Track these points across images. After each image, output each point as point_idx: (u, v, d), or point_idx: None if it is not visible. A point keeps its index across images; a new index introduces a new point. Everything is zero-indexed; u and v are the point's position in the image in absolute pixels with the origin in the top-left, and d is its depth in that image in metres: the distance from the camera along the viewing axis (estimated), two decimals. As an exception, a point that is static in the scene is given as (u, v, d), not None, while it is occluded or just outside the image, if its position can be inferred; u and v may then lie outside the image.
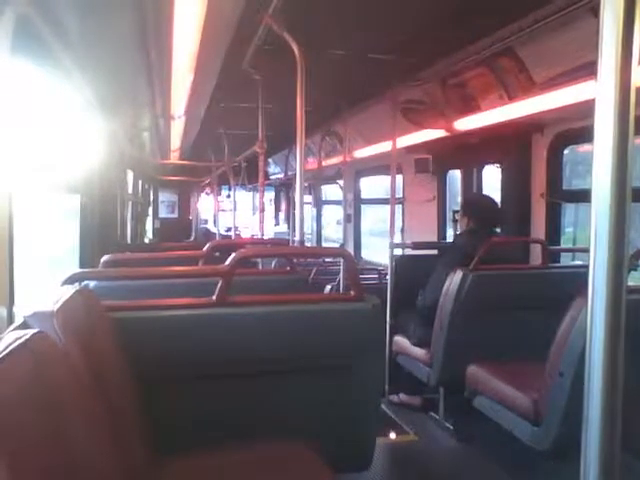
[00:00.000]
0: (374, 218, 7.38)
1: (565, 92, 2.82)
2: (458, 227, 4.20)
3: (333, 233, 9.35)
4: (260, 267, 3.92)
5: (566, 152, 3.81)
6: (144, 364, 1.74)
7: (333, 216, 9.12)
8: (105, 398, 1.35)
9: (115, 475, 1.26)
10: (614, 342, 0.81)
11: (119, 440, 1.34)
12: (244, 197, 10.23)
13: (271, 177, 9.37)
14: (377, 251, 6.67)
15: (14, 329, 1.30)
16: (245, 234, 9.01)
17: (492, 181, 4.54)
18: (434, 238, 5.05)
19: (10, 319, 1.83)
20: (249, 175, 7.28)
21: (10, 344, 0.99)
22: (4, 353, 0.96)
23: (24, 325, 1.31)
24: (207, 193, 11.84)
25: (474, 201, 3.67)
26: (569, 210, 3.99)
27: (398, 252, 4.02)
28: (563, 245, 3.97)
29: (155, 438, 1.67)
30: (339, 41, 3.18)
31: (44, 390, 1.03)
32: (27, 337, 1.05)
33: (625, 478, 0.87)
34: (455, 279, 3.01)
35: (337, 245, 7.13)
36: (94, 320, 1.59)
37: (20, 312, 1.62)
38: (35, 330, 1.12)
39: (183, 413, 1.85)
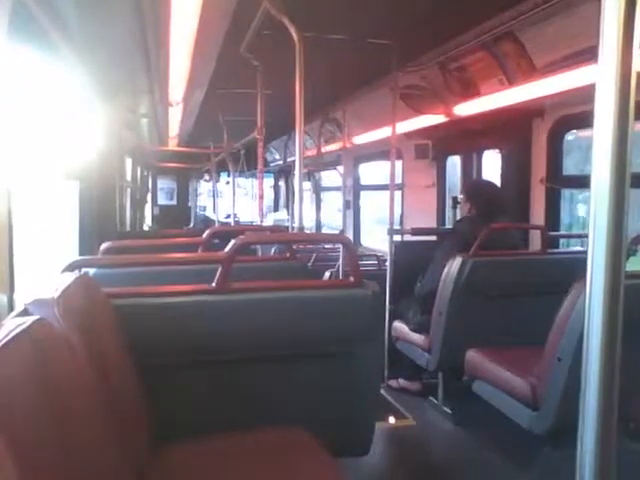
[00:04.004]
0: (376, 205, 7.34)
1: (566, 77, 2.80)
2: (458, 213, 4.19)
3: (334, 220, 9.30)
4: (259, 254, 3.92)
5: (571, 138, 3.79)
6: (145, 351, 1.75)
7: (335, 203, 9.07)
8: (106, 384, 1.35)
9: (116, 461, 1.27)
10: (612, 327, 0.81)
11: (120, 426, 1.35)
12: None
13: (270, 164, 9.34)
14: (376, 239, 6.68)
15: (15, 316, 1.30)
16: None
17: (492, 167, 4.53)
18: (433, 224, 5.05)
19: (10, 306, 1.84)
20: (248, 161, 7.26)
21: (11, 331, 1.00)
22: (5, 340, 0.96)
23: (25, 312, 1.31)
24: (206, 180, 11.82)
25: (479, 187, 3.62)
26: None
27: (397, 238, 4.03)
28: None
29: (156, 424, 1.69)
30: (338, 26, 3.16)
31: (45, 377, 1.04)
32: (28, 324, 1.06)
33: (622, 461, 0.88)
34: (454, 265, 3.01)
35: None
36: (95, 307, 1.60)
37: (20, 299, 1.62)
38: (36, 317, 1.12)
39: (183, 399, 1.86)
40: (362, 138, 5.50)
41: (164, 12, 2.24)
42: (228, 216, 8.64)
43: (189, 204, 12.24)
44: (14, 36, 1.78)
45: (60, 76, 2.97)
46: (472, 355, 2.81)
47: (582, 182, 3.54)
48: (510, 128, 3.90)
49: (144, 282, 2.00)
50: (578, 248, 3.73)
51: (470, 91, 3.57)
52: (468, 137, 4.36)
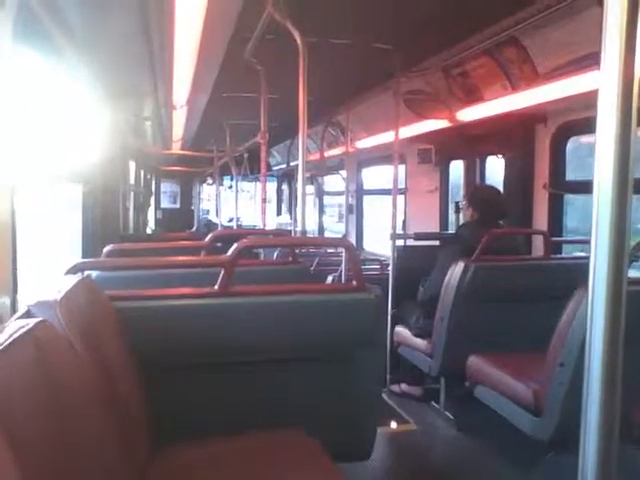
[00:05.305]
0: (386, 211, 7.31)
1: (569, 82, 2.81)
2: (460, 218, 4.19)
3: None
4: (262, 257, 3.92)
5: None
6: (147, 353, 1.75)
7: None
8: (108, 386, 1.36)
9: (117, 462, 1.27)
10: (614, 333, 0.81)
11: (122, 428, 1.35)
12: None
13: (273, 168, 9.36)
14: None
15: (18, 318, 1.31)
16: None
17: (495, 172, 4.53)
18: (436, 229, 5.05)
19: (14, 308, 1.84)
20: (251, 165, 7.28)
21: (14, 332, 1.00)
22: (8, 341, 0.96)
23: (28, 314, 1.32)
24: (209, 183, 11.84)
25: (481, 193, 3.58)
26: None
27: (400, 243, 4.03)
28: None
29: (157, 426, 1.69)
30: (341, 31, 3.17)
31: (47, 378, 1.04)
32: (31, 326, 1.06)
33: (623, 468, 0.88)
34: (457, 270, 3.01)
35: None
36: (97, 309, 1.60)
37: (23, 301, 1.63)
38: (39, 319, 1.13)
39: (185, 401, 1.86)
40: (365, 142, 5.51)
41: (169, 16, 2.25)
42: (231, 220, 8.65)
43: (192, 208, 12.27)
44: (19, 39, 1.79)
45: (65, 79, 2.98)
46: (474, 360, 2.80)
47: (585, 188, 3.53)
48: (513, 134, 3.90)
49: (146, 285, 2.00)
50: (581, 254, 3.72)
51: (473, 96, 3.58)
52: (471, 142, 4.36)
